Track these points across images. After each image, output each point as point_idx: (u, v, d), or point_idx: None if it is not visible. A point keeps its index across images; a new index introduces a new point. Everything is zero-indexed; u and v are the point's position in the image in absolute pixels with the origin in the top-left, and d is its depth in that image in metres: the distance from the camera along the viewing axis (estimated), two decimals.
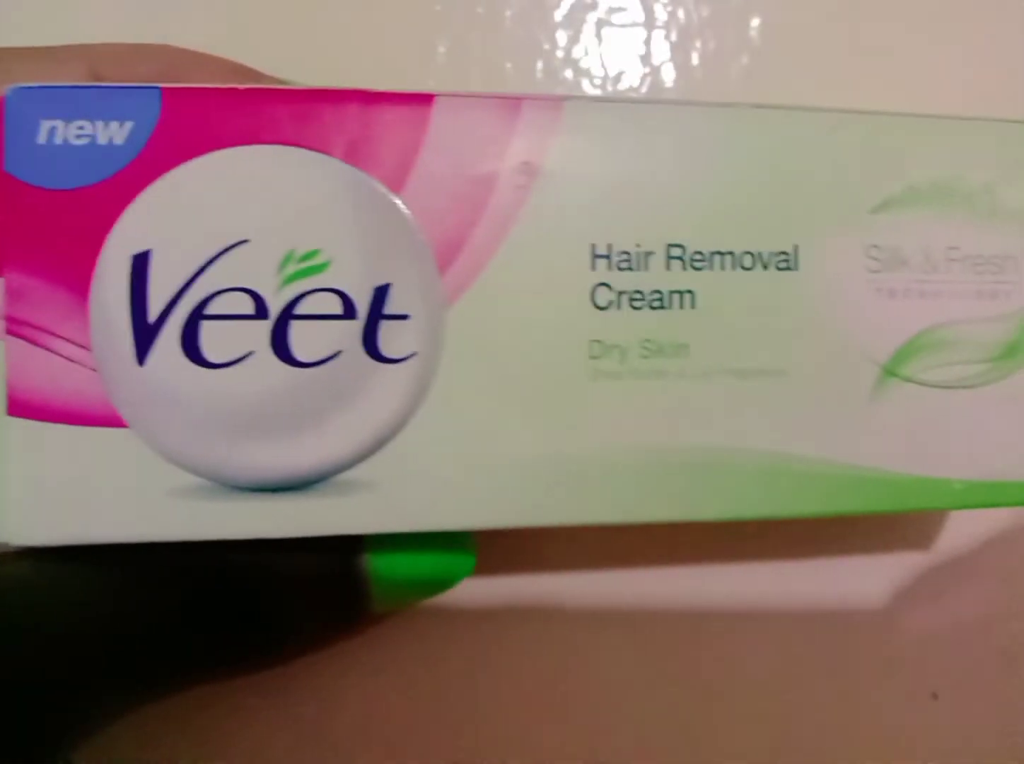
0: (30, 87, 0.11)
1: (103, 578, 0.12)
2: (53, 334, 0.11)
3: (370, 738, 0.16)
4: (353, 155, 0.11)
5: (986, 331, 0.13)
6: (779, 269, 0.12)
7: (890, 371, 0.13)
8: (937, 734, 0.20)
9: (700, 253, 0.12)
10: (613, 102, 0.12)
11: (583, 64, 0.19)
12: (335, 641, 0.14)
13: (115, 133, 0.11)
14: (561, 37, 0.19)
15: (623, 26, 0.19)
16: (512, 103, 0.12)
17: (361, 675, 0.16)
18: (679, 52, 0.19)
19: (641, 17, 0.19)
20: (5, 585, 0.11)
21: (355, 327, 0.11)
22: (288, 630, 0.13)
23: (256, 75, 0.13)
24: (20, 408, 0.11)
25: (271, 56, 0.15)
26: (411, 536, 0.13)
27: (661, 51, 0.19)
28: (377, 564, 0.13)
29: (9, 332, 0.11)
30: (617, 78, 0.19)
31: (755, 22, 0.19)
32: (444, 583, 0.14)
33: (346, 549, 0.13)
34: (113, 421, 0.11)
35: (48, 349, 0.11)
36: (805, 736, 0.19)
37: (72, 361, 0.11)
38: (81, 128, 0.11)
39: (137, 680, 0.12)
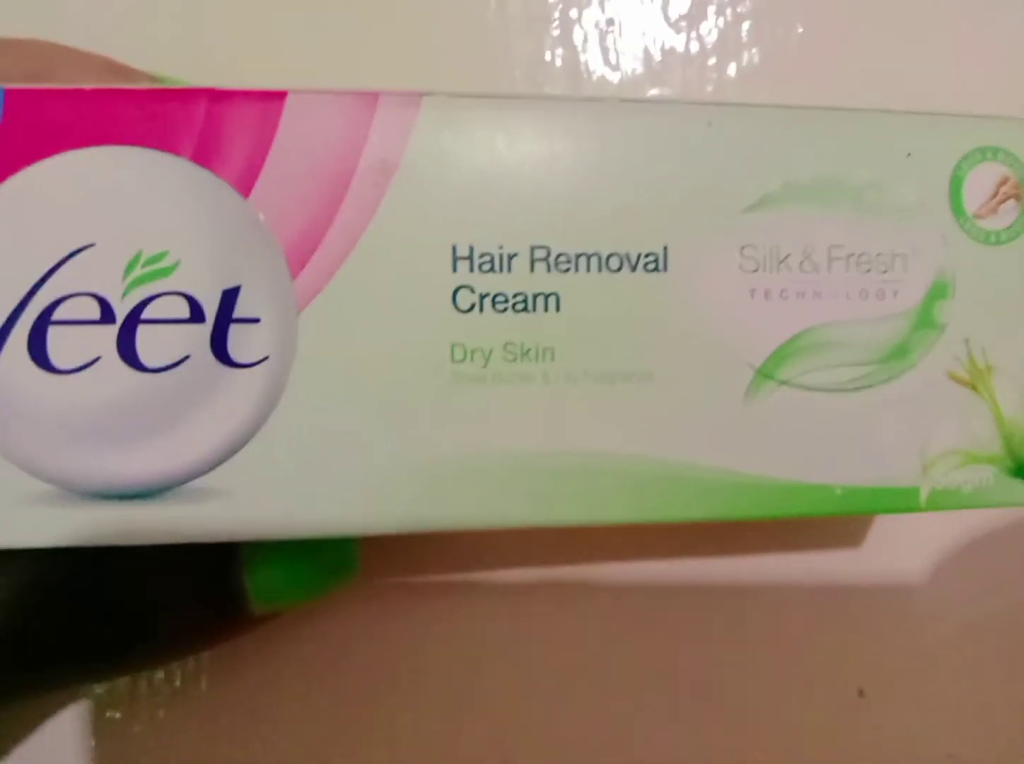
0: None
1: None
2: None
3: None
4: (202, 155, 0.11)
5: (872, 332, 0.13)
6: (647, 271, 0.12)
7: (766, 374, 0.12)
8: (863, 730, 0.20)
9: (565, 254, 0.12)
10: (474, 98, 0.12)
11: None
12: (215, 643, 0.14)
13: None
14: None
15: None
16: (368, 99, 0.11)
17: (248, 677, 0.16)
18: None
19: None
20: None
21: (203, 331, 0.11)
22: (160, 635, 0.13)
23: (128, 71, 0.13)
24: None
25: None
26: (288, 541, 0.13)
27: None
28: (254, 567, 0.13)
29: None
30: None
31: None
32: (325, 587, 0.14)
33: (221, 552, 0.13)
34: None
35: None
36: (734, 730, 0.19)
37: None
38: None
39: (10, 679, 0.12)
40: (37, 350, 0.11)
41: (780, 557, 0.19)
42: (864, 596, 0.20)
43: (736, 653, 0.19)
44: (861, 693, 0.19)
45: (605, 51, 0.17)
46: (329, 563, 0.13)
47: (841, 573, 0.19)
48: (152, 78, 0.14)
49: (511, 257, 0.12)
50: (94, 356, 0.11)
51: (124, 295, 0.11)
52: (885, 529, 0.20)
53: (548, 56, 0.17)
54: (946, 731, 0.20)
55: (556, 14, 0.17)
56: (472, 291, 0.12)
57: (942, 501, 0.13)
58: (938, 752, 0.20)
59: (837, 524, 0.19)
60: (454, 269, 0.12)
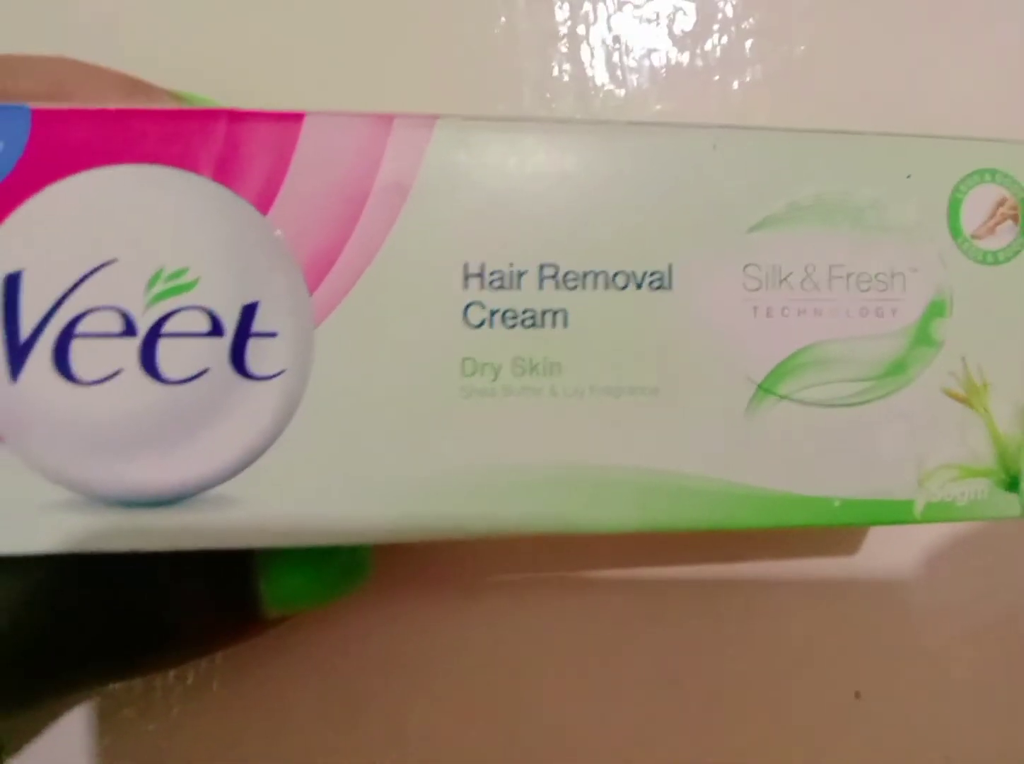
0: None
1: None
2: None
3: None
4: (221, 173, 0.12)
5: (870, 349, 0.13)
6: (653, 288, 0.12)
7: (766, 389, 0.13)
8: (859, 732, 0.20)
9: (573, 272, 0.12)
10: (485, 120, 0.12)
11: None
12: (229, 644, 0.14)
13: None
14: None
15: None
16: (383, 121, 0.12)
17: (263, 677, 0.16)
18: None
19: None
20: None
21: (223, 345, 0.12)
22: (181, 636, 0.13)
23: (147, 88, 0.14)
24: None
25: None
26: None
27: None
28: (269, 572, 0.13)
29: None
30: None
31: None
32: (338, 591, 0.14)
33: (237, 559, 0.13)
34: None
35: None
36: (733, 730, 0.20)
37: None
38: None
39: (32, 683, 0.13)
40: (61, 362, 0.11)
41: (779, 560, 0.20)
42: (861, 599, 0.20)
43: (735, 655, 0.20)
44: (858, 695, 0.20)
45: (612, 67, 0.17)
46: (342, 567, 0.14)
47: (838, 576, 0.20)
48: (172, 95, 0.14)
49: (521, 274, 0.12)
50: (116, 368, 0.11)
51: (146, 309, 0.11)
52: (882, 532, 0.20)
53: (556, 72, 0.17)
54: (942, 733, 0.20)
55: (564, 31, 0.17)
56: (483, 307, 0.12)
57: (937, 513, 0.13)
58: (934, 754, 0.20)
59: (835, 528, 0.20)
60: (465, 286, 0.12)
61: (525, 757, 0.19)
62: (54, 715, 0.17)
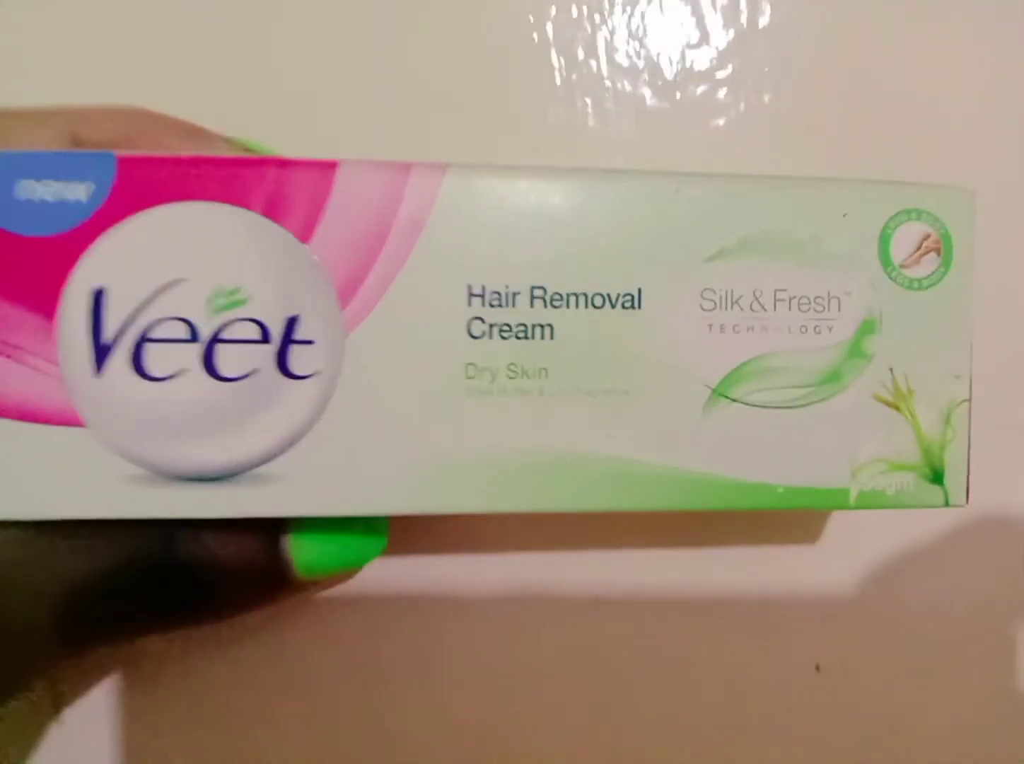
0: (10, 153, 0.14)
1: (70, 546, 0.15)
2: (27, 351, 0.14)
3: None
4: (270, 210, 0.14)
5: (809, 361, 0.15)
6: (624, 308, 0.15)
7: (720, 393, 0.15)
8: (819, 704, 0.22)
9: (558, 293, 0.15)
10: (488, 168, 0.15)
11: None
12: (264, 605, 0.17)
13: (79, 191, 0.14)
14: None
15: None
16: (403, 168, 0.14)
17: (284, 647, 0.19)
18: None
19: None
20: None
21: (270, 350, 0.14)
22: (222, 595, 0.16)
23: (204, 133, 0.16)
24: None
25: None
26: (329, 518, 0.16)
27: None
28: (299, 541, 0.16)
29: None
30: None
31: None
32: (359, 559, 0.17)
33: (273, 528, 0.16)
34: (74, 421, 0.14)
35: (22, 363, 0.14)
36: (699, 708, 0.22)
37: (42, 373, 0.14)
38: (51, 187, 0.14)
39: (93, 631, 0.15)
40: (137, 362, 0.14)
41: (736, 549, 0.22)
42: (821, 580, 0.22)
43: (702, 631, 0.22)
44: (818, 668, 0.22)
45: (602, 113, 0.20)
46: (362, 537, 0.16)
47: (800, 560, 0.22)
48: (225, 139, 0.17)
49: (515, 295, 0.15)
50: (182, 368, 0.14)
51: (207, 319, 0.14)
52: (837, 520, 0.22)
53: (551, 118, 0.20)
54: (893, 704, 0.22)
55: (559, 79, 0.20)
56: (483, 322, 0.15)
57: (869, 501, 0.16)
58: (891, 724, 0.23)
59: (798, 525, 0.22)
60: (469, 304, 0.15)
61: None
62: (107, 670, 0.19)
